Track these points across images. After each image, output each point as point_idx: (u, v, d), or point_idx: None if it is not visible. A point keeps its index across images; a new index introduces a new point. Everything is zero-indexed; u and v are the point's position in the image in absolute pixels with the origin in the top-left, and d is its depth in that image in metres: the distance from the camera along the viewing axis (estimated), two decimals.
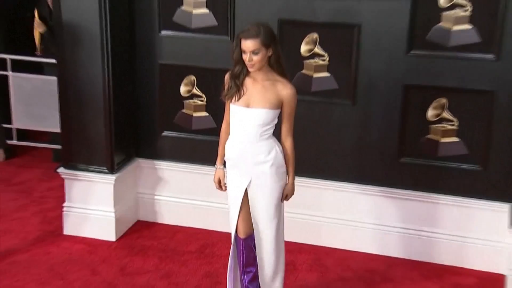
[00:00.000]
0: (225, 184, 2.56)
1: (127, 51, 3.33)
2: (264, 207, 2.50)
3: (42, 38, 3.91)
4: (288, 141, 2.50)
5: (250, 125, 2.44)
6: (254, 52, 2.34)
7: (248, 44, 2.34)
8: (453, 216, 3.15)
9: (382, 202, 3.22)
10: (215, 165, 2.59)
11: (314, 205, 3.31)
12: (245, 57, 2.36)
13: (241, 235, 2.54)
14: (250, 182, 2.48)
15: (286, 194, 2.54)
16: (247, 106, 2.42)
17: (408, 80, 3.05)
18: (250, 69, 2.39)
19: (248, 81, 2.43)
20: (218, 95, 3.11)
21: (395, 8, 2.98)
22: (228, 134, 2.54)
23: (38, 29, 3.83)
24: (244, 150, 2.46)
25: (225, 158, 2.53)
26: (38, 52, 3.98)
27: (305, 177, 3.23)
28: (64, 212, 3.42)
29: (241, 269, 2.58)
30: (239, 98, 2.43)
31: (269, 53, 2.37)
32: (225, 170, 2.55)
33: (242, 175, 2.49)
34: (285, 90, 2.43)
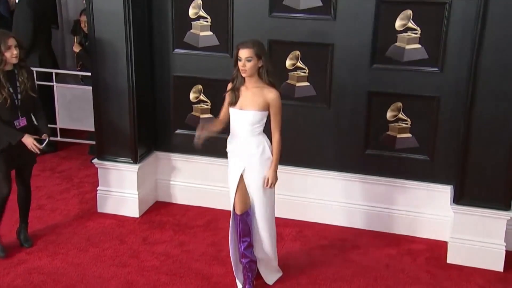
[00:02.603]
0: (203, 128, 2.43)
1: (147, 65, 3.36)
2: (255, 189, 2.56)
3: (79, 57, 4.03)
4: (275, 135, 2.52)
5: (244, 124, 2.48)
6: (247, 59, 2.36)
7: (243, 52, 2.37)
8: (407, 196, 3.19)
9: (352, 185, 3.26)
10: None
11: (298, 188, 3.32)
12: (240, 63, 2.38)
13: (238, 212, 2.56)
14: (245, 169, 2.52)
15: (267, 178, 2.48)
16: (241, 108, 2.46)
17: (371, 88, 3.09)
18: (242, 74, 2.39)
19: (242, 89, 2.46)
20: (221, 100, 3.03)
21: (360, 30, 3.01)
22: (220, 121, 2.52)
23: (76, 49, 3.98)
24: (240, 143, 2.50)
25: (227, 150, 2.50)
26: (78, 68, 4.12)
27: (292, 166, 3.25)
28: (98, 194, 3.46)
29: (238, 239, 2.59)
30: (236, 102, 2.45)
31: (260, 64, 2.39)
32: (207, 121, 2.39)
33: (238, 162, 2.52)
34: (270, 94, 2.46)
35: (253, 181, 2.54)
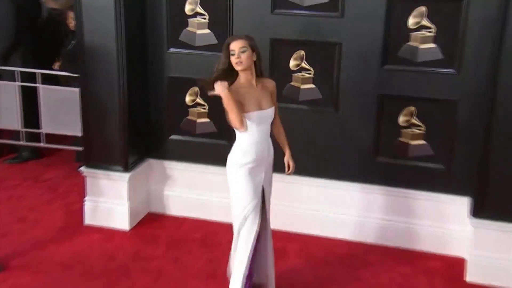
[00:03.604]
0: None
1: (140, 66, 3.34)
2: (269, 195, 2.56)
3: (64, 55, 4.02)
4: (280, 122, 2.57)
5: (266, 125, 2.45)
6: (241, 50, 2.32)
7: (236, 43, 2.33)
8: (422, 208, 3.17)
9: (361, 196, 3.25)
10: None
11: (303, 199, 3.31)
12: (233, 57, 2.32)
13: (259, 232, 2.49)
14: (263, 175, 2.48)
15: (288, 163, 2.50)
16: (261, 108, 2.42)
17: (382, 91, 3.08)
18: (237, 67, 2.34)
19: (250, 90, 2.38)
20: (218, 103, 3.07)
21: (370, 29, 3.00)
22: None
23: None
24: (262, 148, 2.45)
25: (244, 163, 2.39)
26: (56, 67, 4.11)
27: (296, 175, 2.92)
28: (85, 206, 3.43)
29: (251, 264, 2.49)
30: (253, 104, 2.37)
31: (254, 58, 2.37)
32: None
33: (260, 173, 2.46)
34: (270, 83, 2.49)
35: (269, 186, 2.54)
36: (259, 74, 2.45)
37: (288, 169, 2.51)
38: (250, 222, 2.45)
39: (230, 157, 2.50)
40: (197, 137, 3.43)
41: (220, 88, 2.31)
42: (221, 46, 3.04)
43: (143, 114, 3.45)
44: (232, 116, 2.33)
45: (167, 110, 3.43)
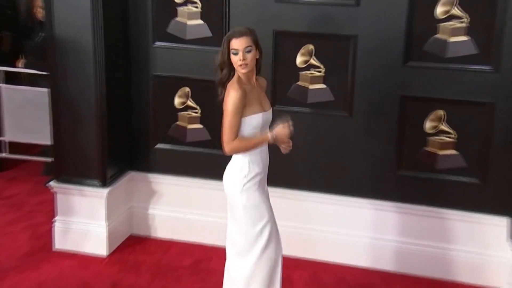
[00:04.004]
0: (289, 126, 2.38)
1: (121, 63, 3.33)
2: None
3: (29, 49, 3.99)
4: None
5: (267, 128, 2.46)
6: (247, 50, 2.32)
7: (241, 42, 2.32)
8: (451, 230, 3.14)
9: (379, 215, 3.21)
10: (268, 136, 2.37)
11: (310, 218, 3.29)
12: (237, 58, 2.32)
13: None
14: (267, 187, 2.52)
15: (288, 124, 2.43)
16: (264, 110, 2.43)
17: (405, 92, 3.06)
18: (242, 70, 2.34)
19: (252, 89, 2.40)
20: (213, 106, 3.10)
21: (391, 19, 2.98)
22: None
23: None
24: (266, 154, 2.48)
25: (252, 176, 2.41)
26: (20, 64, 4.08)
27: (303, 190, 3.23)
28: (54, 227, 3.39)
29: None
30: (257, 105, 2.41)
31: (257, 56, 2.38)
32: (272, 131, 2.38)
33: (265, 186, 2.48)
34: (264, 82, 2.53)
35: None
36: (257, 72, 2.46)
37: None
38: (272, 249, 2.44)
39: (232, 172, 2.46)
40: (188, 146, 3.42)
41: (286, 132, 2.37)
42: (216, 40, 3.15)
43: (124, 119, 3.44)
44: (248, 148, 2.39)
45: (152, 114, 3.43)
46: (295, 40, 3.12)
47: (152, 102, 3.39)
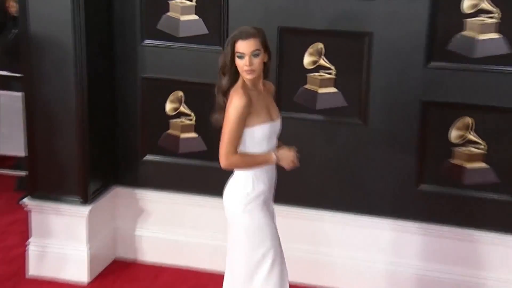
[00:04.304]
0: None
1: (105, 64, 3.33)
2: None
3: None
4: None
5: (275, 139, 2.46)
6: (254, 54, 2.31)
7: (248, 45, 2.30)
8: (481, 255, 3.11)
9: (399, 237, 3.19)
10: (272, 157, 2.39)
11: (322, 241, 3.27)
12: (243, 62, 2.31)
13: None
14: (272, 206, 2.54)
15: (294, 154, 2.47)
16: (272, 119, 2.42)
17: (427, 96, 3.04)
18: (248, 76, 2.33)
19: (253, 94, 2.38)
20: (209, 113, 3.16)
21: (411, 13, 2.96)
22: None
23: None
24: (272, 170, 2.47)
25: (257, 195, 2.41)
26: None
27: (312, 208, 3.21)
28: (28, 250, 3.37)
29: None
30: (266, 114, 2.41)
31: (265, 59, 2.37)
32: (276, 154, 2.41)
33: (271, 201, 2.49)
34: (271, 87, 2.53)
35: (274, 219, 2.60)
36: (264, 76, 2.46)
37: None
38: (276, 277, 2.42)
39: (234, 190, 2.45)
40: (181, 158, 3.41)
41: (290, 157, 2.41)
42: (213, 37, 3.20)
43: (108, 127, 3.43)
44: (248, 167, 2.40)
45: (140, 121, 3.42)
46: (303, 38, 3.11)
47: (140, 108, 3.38)
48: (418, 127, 3.05)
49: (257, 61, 2.31)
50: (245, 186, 2.39)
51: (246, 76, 2.33)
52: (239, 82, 2.37)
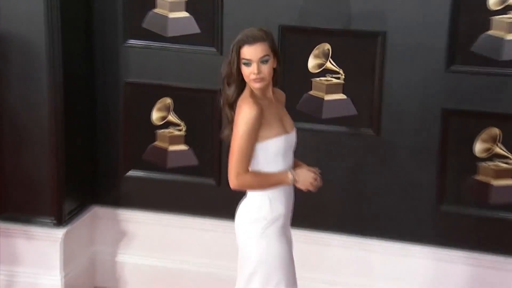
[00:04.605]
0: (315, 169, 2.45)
1: (83, 67, 3.32)
2: None
3: None
4: None
5: (291, 154, 2.44)
6: (263, 60, 2.30)
7: (255, 50, 2.30)
8: (507, 283, 3.08)
9: (417, 264, 3.16)
10: (289, 177, 2.37)
11: (327, 268, 3.26)
12: (250, 70, 2.31)
13: None
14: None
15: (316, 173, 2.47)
16: (286, 131, 2.41)
17: (448, 104, 3.01)
18: (256, 86, 2.33)
19: (264, 104, 2.37)
20: (200, 122, 3.10)
21: (430, 10, 2.93)
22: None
23: None
24: (290, 190, 2.46)
25: (274, 219, 2.40)
26: None
27: (314, 230, 3.21)
28: None
29: None
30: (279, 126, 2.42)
31: (275, 65, 2.37)
32: (293, 173, 2.39)
33: (288, 226, 2.49)
34: (282, 96, 2.54)
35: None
36: (274, 83, 2.47)
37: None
38: None
39: (248, 213, 2.43)
40: (169, 173, 3.40)
41: (311, 178, 2.40)
42: (206, 37, 3.19)
43: (86, 139, 3.42)
44: (261, 187, 2.39)
45: (123, 132, 3.41)
46: (307, 38, 3.10)
47: (123, 116, 3.36)
48: (438, 139, 3.03)
49: (266, 68, 2.29)
50: (261, 209, 2.37)
51: (254, 85, 2.32)
52: (247, 91, 2.35)
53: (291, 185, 2.38)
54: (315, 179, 2.37)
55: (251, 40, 2.28)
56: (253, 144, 2.29)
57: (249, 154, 2.29)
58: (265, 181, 2.34)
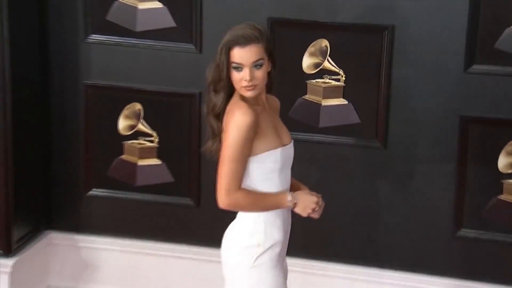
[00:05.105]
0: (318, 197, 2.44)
1: (35, 67, 3.32)
2: None
3: None
4: None
5: (288, 169, 2.42)
6: (256, 65, 2.28)
7: (248, 53, 2.27)
8: None
9: None
10: (288, 199, 2.37)
11: None
12: (241, 76, 2.29)
13: None
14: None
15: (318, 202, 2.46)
16: (283, 143, 2.38)
17: (467, 110, 3.02)
18: (247, 94, 2.30)
19: (258, 110, 2.37)
20: (176, 132, 3.17)
21: (446, 2, 2.94)
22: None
23: None
24: (288, 212, 2.45)
25: (270, 246, 2.38)
26: None
27: (315, 260, 3.23)
28: None
29: None
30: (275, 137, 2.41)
31: (269, 68, 2.36)
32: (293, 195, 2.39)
33: (284, 254, 2.47)
34: (276, 102, 2.53)
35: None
36: (267, 89, 2.46)
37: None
38: None
39: (238, 239, 2.39)
40: (139, 193, 3.40)
41: (313, 202, 2.39)
42: (183, 32, 3.18)
43: (40, 154, 3.41)
44: (254, 208, 2.37)
45: (84, 144, 3.41)
46: (301, 32, 3.11)
47: (84, 126, 3.36)
48: (456, 152, 3.04)
49: (260, 74, 2.27)
50: (254, 234, 2.34)
51: (245, 93, 2.30)
52: (236, 96, 2.32)
53: (290, 208, 2.36)
54: (318, 205, 2.35)
55: (243, 41, 2.25)
56: (247, 156, 2.27)
57: (242, 167, 2.27)
58: (260, 202, 2.31)
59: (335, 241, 3.23)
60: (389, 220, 3.17)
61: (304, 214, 2.38)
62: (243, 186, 2.32)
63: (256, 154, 2.29)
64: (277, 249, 2.37)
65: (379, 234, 3.20)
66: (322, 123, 3.13)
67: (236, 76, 2.28)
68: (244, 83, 2.27)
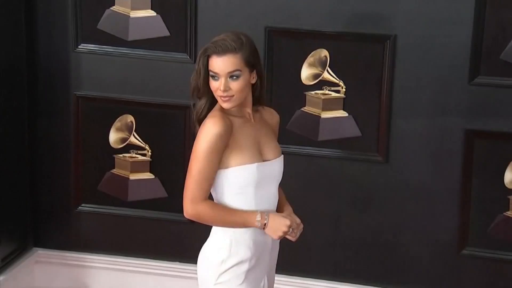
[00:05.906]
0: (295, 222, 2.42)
1: (23, 77, 3.31)
2: None
3: None
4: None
5: (269, 187, 2.38)
6: (232, 76, 2.26)
7: (223, 63, 2.26)
8: None
9: None
10: (256, 219, 2.34)
11: None
12: (216, 85, 2.28)
13: None
14: (266, 280, 2.48)
15: (296, 224, 2.44)
16: (263, 158, 2.36)
17: (472, 124, 3.01)
18: (224, 105, 2.29)
19: (237, 121, 2.35)
20: (169, 145, 3.19)
21: (450, 10, 2.92)
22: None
23: None
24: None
25: (236, 263, 2.37)
26: None
27: (314, 278, 3.21)
28: None
29: None
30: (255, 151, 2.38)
31: (253, 80, 2.33)
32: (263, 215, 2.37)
33: (262, 272, 2.42)
34: (273, 116, 2.51)
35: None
36: (256, 100, 2.43)
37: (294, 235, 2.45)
38: None
39: (208, 254, 2.39)
40: (131, 208, 3.38)
41: (285, 226, 2.34)
42: (176, 42, 3.19)
43: (26, 168, 3.40)
44: (220, 222, 2.34)
45: (73, 158, 3.40)
46: (300, 42, 3.09)
47: (74, 138, 3.35)
48: (461, 167, 3.02)
49: (236, 85, 2.25)
50: (220, 250, 2.33)
51: (221, 103, 2.29)
52: (218, 105, 2.33)
53: (260, 228, 2.32)
54: (289, 230, 2.32)
55: (219, 50, 2.24)
56: (215, 167, 2.27)
57: (209, 178, 2.26)
58: (225, 217, 2.29)
59: (338, 259, 3.21)
60: (391, 237, 3.17)
61: (275, 237, 2.36)
62: (215, 198, 2.32)
63: (228, 167, 2.28)
64: (243, 268, 2.34)
65: (380, 252, 3.19)
66: (322, 136, 3.12)
67: (213, 84, 2.28)
68: (219, 93, 2.27)
